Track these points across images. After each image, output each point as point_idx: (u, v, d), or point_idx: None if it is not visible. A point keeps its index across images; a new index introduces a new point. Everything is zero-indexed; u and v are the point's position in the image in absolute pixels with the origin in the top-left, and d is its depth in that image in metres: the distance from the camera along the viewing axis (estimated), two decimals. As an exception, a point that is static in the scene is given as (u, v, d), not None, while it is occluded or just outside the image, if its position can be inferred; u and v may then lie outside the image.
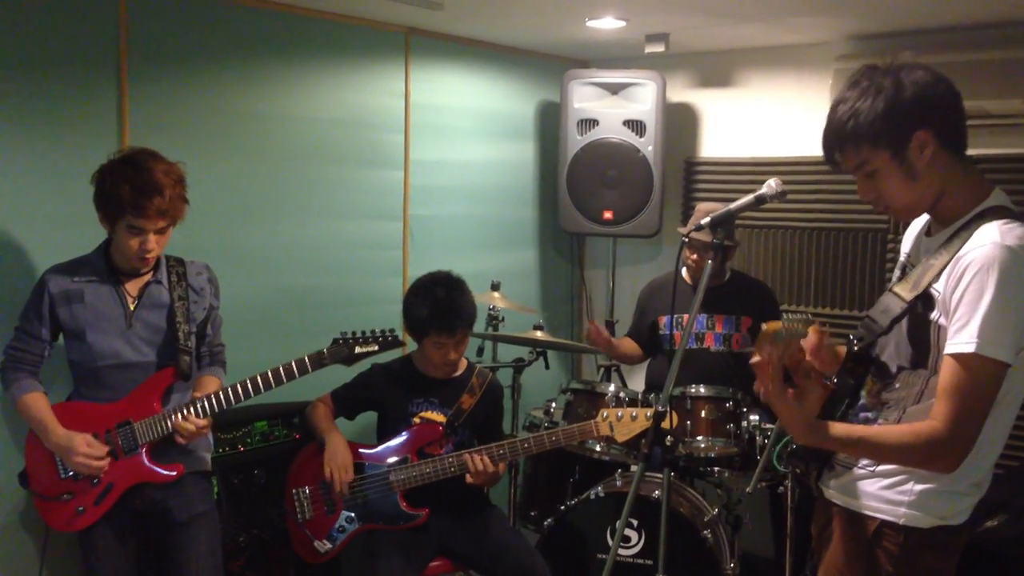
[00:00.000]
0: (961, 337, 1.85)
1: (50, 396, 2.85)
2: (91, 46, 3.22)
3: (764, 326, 1.87)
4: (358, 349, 2.99)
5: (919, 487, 1.98)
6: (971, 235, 1.91)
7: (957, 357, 1.86)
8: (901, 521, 1.99)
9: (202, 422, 2.80)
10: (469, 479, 3.25)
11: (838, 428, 1.97)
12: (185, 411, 2.79)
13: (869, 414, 2.08)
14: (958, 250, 1.91)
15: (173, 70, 3.44)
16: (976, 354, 1.83)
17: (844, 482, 2.10)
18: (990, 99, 3.86)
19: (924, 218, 2.16)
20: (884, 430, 1.97)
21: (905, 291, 2.02)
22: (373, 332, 3.03)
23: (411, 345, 3.50)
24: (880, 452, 1.95)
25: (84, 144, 3.18)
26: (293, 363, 2.90)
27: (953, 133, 1.98)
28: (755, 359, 1.96)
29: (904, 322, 2.02)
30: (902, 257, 2.22)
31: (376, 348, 3.01)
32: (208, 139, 3.56)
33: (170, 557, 2.86)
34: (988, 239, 1.87)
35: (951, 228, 1.99)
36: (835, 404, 2.10)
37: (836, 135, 2.00)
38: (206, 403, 2.82)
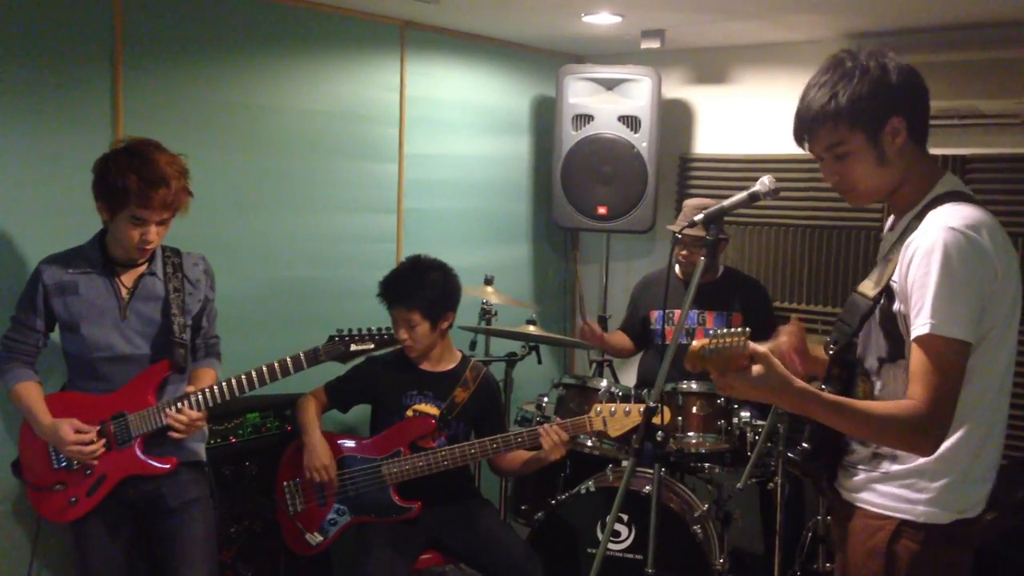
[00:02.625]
0: (919, 321, 1.89)
1: (46, 387, 2.85)
2: (86, 36, 3.21)
3: (693, 344, 1.85)
4: (354, 347, 2.98)
5: (936, 483, 1.98)
6: (921, 222, 1.97)
7: (918, 340, 1.89)
8: (920, 519, 1.99)
9: (196, 415, 2.80)
10: (548, 454, 3.23)
11: (819, 392, 1.94)
12: (180, 405, 2.78)
13: None
14: (907, 239, 1.97)
15: (168, 61, 3.43)
16: (932, 335, 1.86)
17: (859, 483, 2.09)
18: (984, 99, 3.87)
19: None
20: (867, 402, 1.98)
21: (869, 289, 2.06)
22: (369, 330, 3.02)
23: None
24: (862, 421, 1.92)
25: (78, 134, 3.17)
26: (288, 359, 2.89)
27: (921, 125, 2.04)
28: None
29: (876, 318, 2.06)
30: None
31: (372, 346, 3.00)
32: (202, 130, 3.55)
33: (164, 543, 2.85)
34: (933, 224, 1.92)
35: (905, 219, 2.05)
36: None
37: (813, 114, 2.02)
38: (200, 397, 2.81)
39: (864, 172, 2.03)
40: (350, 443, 3.38)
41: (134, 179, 2.64)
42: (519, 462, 3.39)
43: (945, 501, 1.98)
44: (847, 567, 2.13)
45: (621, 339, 4.39)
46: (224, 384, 2.84)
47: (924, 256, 1.89)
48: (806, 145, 2.09)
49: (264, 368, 2.88)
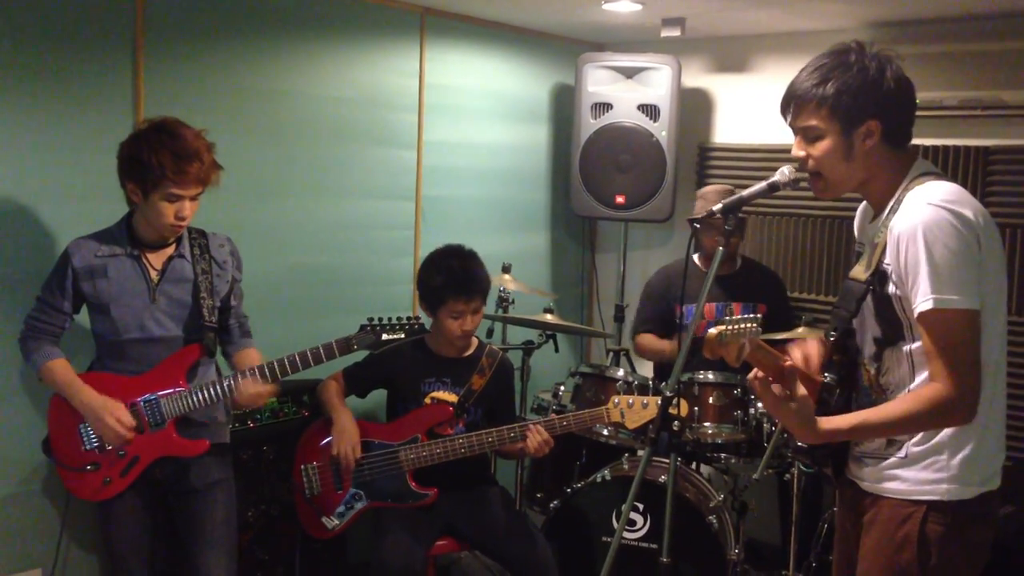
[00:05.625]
0: (919, 299, 1.94)
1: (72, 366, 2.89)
2: (107, 21, 3.22)
3: (711, 331, 1.92)
4: (385, 336, 2.99)
5: (956, 458, 2.00)
6: (901, 203, 2.03)
7: (922, 318, 1.94)
8: (946, 498, 2.00)
9: (264, 388, 2.85)
10: (531, 449, 3.25)
11: (838, 420, 2.01)
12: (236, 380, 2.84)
13: (875, 398, 2.12)
14: (891, 221, 2.02)
15: (188, 47, 3.45)
16: (935, 309, 1.91)
17: (880, 472, 2.10)
18: (1007, 89, 3.84)
19: (866, 206, 2.27)
20: (888, 407, 2.02)
21: (860, 273, 2.11)
22: (400, 319, 3.03)
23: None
24: (893, 427, 1.99)
25: (99, 119, 3.19)
26: (321, 348, 2.91)
27: (899, 130, 2.09)
28: (751, 376, 2.01)
29: (870, 303, 2.10)
30: (856, 247, 2.31)
31: (403, 336, 3.02)
32: (222, 116, 3.56)
33: (187, 523, 2.89)
34: (913, 203, 1.98)
35: (887, 209, 2.09)
36: (830, 394, 2.15)
37: (802, 91, 2.09)
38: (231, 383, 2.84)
39: (829, 162, 2.09)
40: (367, 428, 3.39)
41: (168, 155, 2.66)
42: (511, 449, 3.41)
43: (967, 475, 2.01)
44: (870, 558, 2.11)
45: (654, 341, 4.31)
46: (257, 371, 2.86)
47: (911, 236, 1.94)
48: (789, 117, 2.15)
49: (297, 356, 2.89)
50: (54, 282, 2.82)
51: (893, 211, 2.04)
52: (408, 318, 3.05)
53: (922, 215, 1.94)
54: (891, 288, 2.02)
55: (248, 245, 3.31)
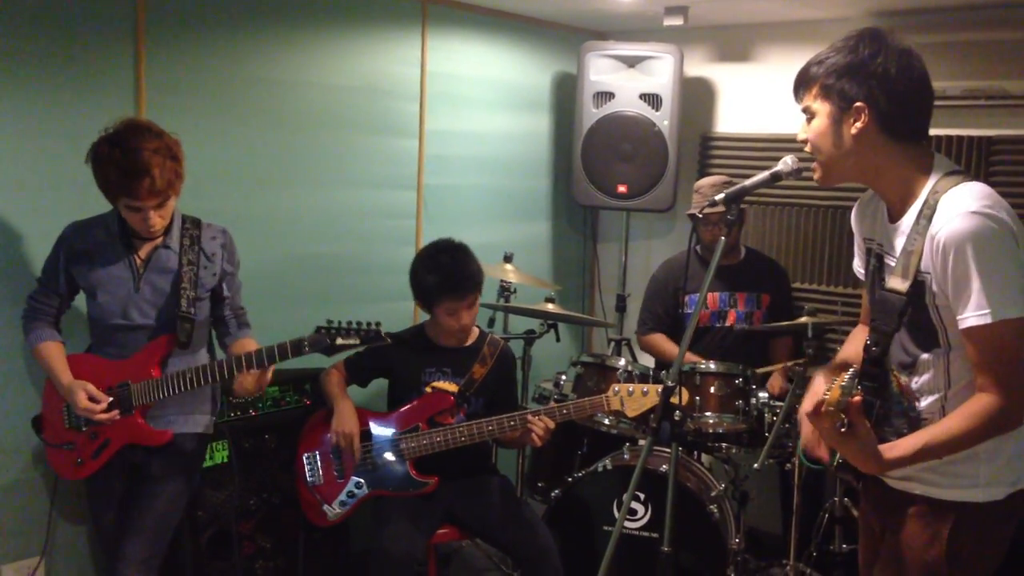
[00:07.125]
0: (970, 311, 1.89)
1: (69, 348, 2.91)
2: (109, 9, 3.21)
3: (827, 399, 1.89)
4: (339, 341, 2.83)
5: (991, 462, 1.99)
6: (936, 210, 1.95)
7: (973, 331, 1.90)
8: (981, 499, 2.00)
9: (255, 378, 2.82)
10: (536, 440, 3.25)
11: (902, 446, 1.98)
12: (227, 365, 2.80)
13: (906, 405, 2.09)
14: (929, 228, 1.96)
15: (190, 34, 3.44)
16: (990, 323, 1.88)
17: (915, 472, 2.07)
18: (1011, 79, 3.83)
19: (867, 202, 2.23)
20: (945, 426, 1.97)
21: (898, 284, 2.03)
22: (358, 325, 2.87)
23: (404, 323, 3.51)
24: (952, 446, 1.95)
25: (100, 107, 3.17)
26: (276, 348, 2.79)
27: (898, 120, 2.01)
28: (805, 410, 1.98)
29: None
30: (859, 240, 2.27)
31: (358, 342, 2.86)
32: (223, 104, 3.56)
33: (130, 504, 2.88)
34: (953, 211, 1.91)
35: (914, 209, 2.02)
36: (869, 410, 2.10)
37: (802, 71, 2.10)
38: (179, 380, 2.80)
39: (820, 143, 2.07)
40: (368, 416, 3.39)
41: (115, 171, 2.64)
42: (510, 438, 3.41)
43: (1002, 476, 2.00)
44: (898, 554, 2.10)
45: (670, 344, 4.31)
46: (203, 371, 2.81)
47: (958, 248, 1.88)
48: (800, 94, 2.13)
49: (252, 354, 2.79)
50: (50, 264, 2.88)
51: (924, 216, 1.97)
52: (368, 324, 2.88)
53: (969, 225, 1.88)
54: (929, 298, 1.98)
55: (249, 234, 3.32)
